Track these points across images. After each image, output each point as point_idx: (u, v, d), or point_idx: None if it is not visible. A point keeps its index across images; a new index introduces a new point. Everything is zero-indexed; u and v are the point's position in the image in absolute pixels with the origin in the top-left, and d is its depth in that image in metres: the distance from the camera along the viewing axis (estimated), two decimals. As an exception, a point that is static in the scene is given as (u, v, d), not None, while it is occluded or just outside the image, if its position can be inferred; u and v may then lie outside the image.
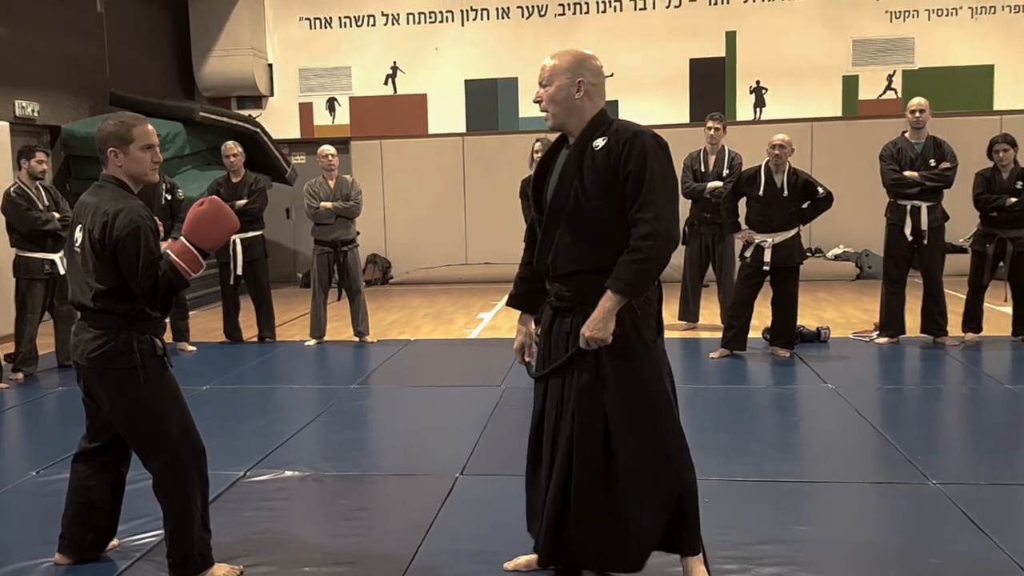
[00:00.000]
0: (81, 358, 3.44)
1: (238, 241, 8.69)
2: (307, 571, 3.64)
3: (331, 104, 14.44)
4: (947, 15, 13.26)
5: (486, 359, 7.93)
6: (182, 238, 3.39)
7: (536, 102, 3.32)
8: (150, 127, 3.51)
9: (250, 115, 13.25)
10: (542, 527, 3.33)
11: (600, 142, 3.20)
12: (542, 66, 3.29)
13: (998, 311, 8.55)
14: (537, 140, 8.26)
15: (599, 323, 3.12)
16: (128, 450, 3.66)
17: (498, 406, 6.21)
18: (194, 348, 8.63)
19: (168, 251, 3.37)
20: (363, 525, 4.15)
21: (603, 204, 3.17)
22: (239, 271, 8.83)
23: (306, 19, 14.34)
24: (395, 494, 4.60)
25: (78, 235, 3.46)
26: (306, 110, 14.48)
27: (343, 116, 14.42)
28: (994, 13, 13.16)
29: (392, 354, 8.24)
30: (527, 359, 3.51)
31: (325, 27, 14.31)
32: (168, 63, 14.02)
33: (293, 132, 14.42)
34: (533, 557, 3.55)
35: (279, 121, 14.15)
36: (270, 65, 14.44)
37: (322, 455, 5.24)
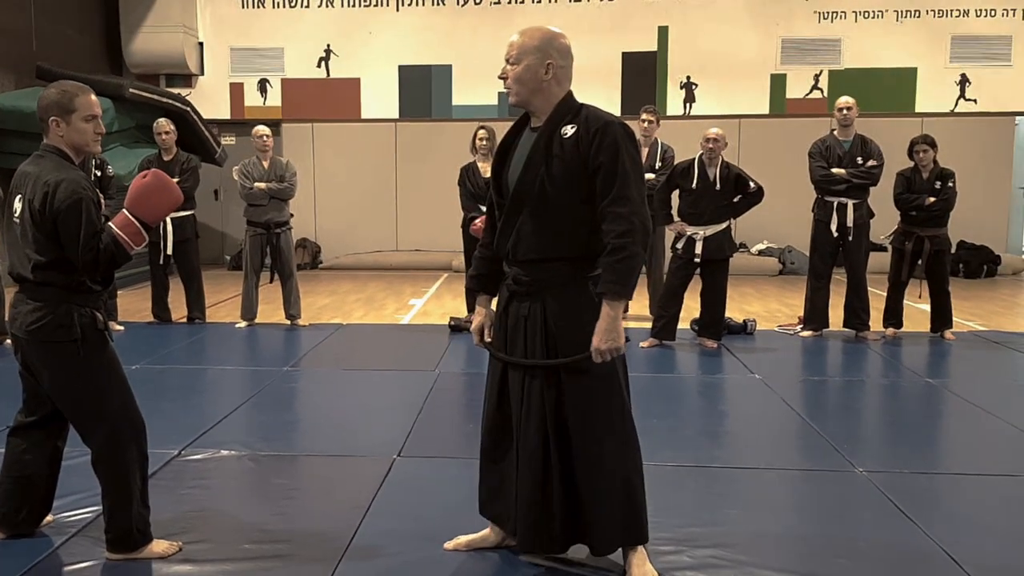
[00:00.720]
0: (20, 330, 3.40)
1: (168, 220, 8.55)
2: (246, 547, 3.63)
3: (263, 85, 14.25)
4: (873, 17, 13.60)
5: (419, 344, 7.96)
6: (124, 210, 3.36)
7: (501, 78, 3.27)
8: (93, 97, 3.46)
9: (179, 93, 13.01)
10: (519, 517, 3.34)
11: (569, 130, 3.17)
12: (510, 42, 3.25)
13: (917, 308, 8.83)
14: (481, 127, 8.34)
15: (610, 333, 3.09)
16: (65, 425, 3.63)
17: (433, 390, 6.25)
18: (122, 328, 8.46)
19: (110, 224, 3.33)
20: (301, 504, 4.15)
21: (569, 193, 3.16)
22: (169, 251, 8.70)
23: (238, -2, 14.14)
24: (333, 475, 4.59)
25: (17, 205, 3.40)
26: (237, 90, 14.27)
27: (275, 98, 14.25)
28: (918, 17, 13.55)
29: (324, 338, 8.20)
30: (486, 339, 3.48)
31: (258, 7, 14.10)
32: (96, 38, 13.70)
33: (223, 112, 14.19)
34: (475, 536, 3.62)
35: (209, 101, 13.89)
36: (201, 43, 14.18)
37: (257, 435, 5.21)
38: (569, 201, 3.17)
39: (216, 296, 10.67)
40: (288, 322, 8.77)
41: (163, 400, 5.89)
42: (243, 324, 8.73)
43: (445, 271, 13.39)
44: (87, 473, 3.51)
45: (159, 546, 3.54)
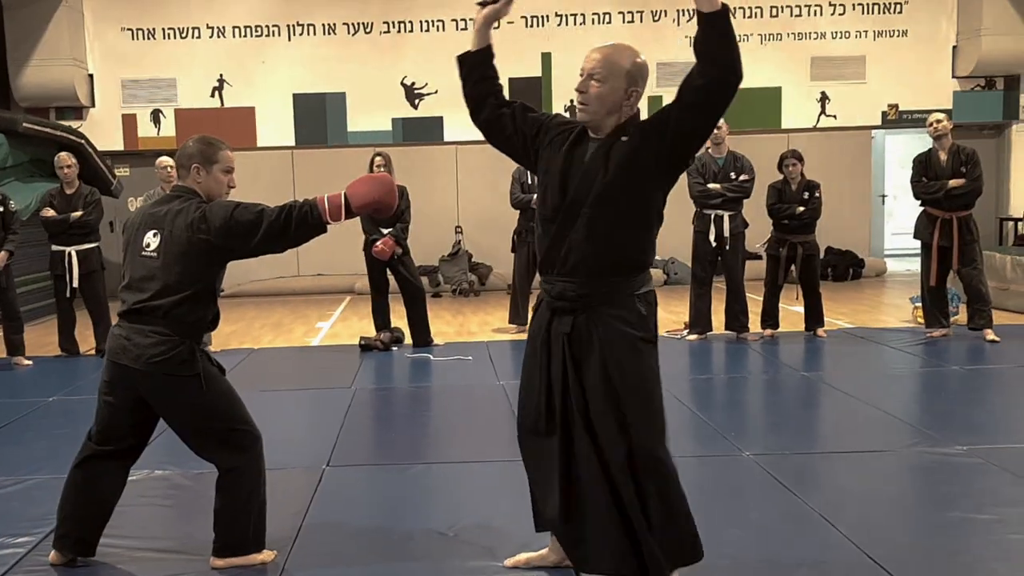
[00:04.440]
0: (138, 362, 3.55)
1: (74, 253, 8.67)
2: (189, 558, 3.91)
3: (156, 116, 14.31)
4: (740, 40, 14.29)
5: (333, 364, 8.26)
6: (342, 192, 3.61)
7: (580, 91, 3.26)
8: (231, 153, 3.81)
9: (71, 126, 12.99)
10: (592, 543, 3.30)
11: (625, 138, 3.24)
12: (594, 56, 3.26)
13: (791, 310, 9.54)
14: (377, 153, 8.71)
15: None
16: (138, 454, 3.93)
17: (352, 405, 6.57)
18: (30, 362, 8.53)
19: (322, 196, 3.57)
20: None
21: (628, 196, 3.20)
22: (75, 283, 8.75)
23: (128, 29, 14.15)
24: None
25: (152, 240, 3.61)
26: (129, 121, 14.28)
27: (169, 128, 14.31)
28: (780, 40, 14.48)
29: (238, 362, 8.39)
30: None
31: (148, 38, 14.17)
32: (-18, 72, 13.56)
33: (116, 144, 14.19)
34: (534, 555, 3.66)
35: (101, 132, 13.82)
36: (91, 75, 14.17)
37: (186, 455, 5.29)
38: (628, 204, 3.21)
39: (121, 327, 10.69)
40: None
41: (85, 428, 6.04)
42: (154, 353, 8.82)
43: (348, 294, 13.66)
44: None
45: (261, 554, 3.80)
